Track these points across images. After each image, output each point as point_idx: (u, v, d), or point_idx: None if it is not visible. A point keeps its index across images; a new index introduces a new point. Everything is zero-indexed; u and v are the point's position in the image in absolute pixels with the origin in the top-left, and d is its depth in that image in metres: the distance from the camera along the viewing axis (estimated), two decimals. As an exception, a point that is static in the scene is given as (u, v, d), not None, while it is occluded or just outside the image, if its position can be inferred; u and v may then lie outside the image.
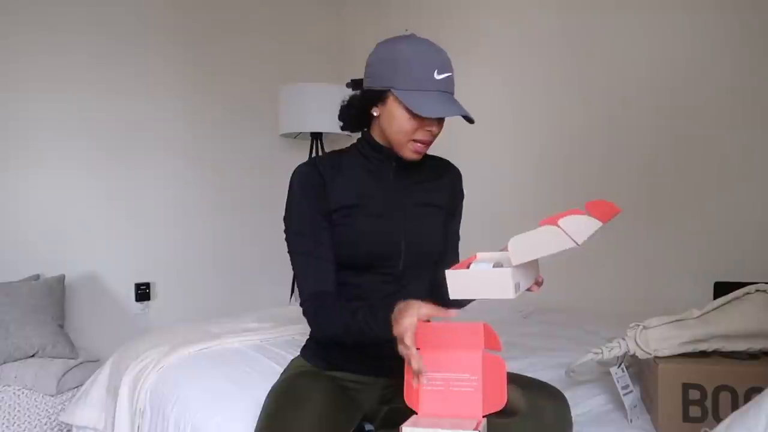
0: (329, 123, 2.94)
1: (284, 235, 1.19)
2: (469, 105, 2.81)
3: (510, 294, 0.93)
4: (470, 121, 1.12)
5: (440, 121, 1.15)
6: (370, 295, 1.17)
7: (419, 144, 1.14)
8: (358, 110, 1.20)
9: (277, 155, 3.30)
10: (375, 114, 1.16)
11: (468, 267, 0.97)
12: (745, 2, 1.90)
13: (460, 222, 1.34)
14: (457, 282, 0.97)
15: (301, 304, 1.17)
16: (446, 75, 1.10)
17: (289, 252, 1.18)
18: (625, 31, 2.22)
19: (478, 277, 0.96)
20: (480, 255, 1.04)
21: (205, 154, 3.11)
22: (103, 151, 2.78)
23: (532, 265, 1.02)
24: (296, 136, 3.28)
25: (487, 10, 2.72)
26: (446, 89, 1.10)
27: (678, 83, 2.07)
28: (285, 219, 1.18)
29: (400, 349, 0.94)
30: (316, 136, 3.13)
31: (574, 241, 0.88)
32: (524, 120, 2.59)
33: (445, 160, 1.35)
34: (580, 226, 0.88)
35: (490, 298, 0.96)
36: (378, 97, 1.14)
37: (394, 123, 1.13)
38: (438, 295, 1.17)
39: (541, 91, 2.52)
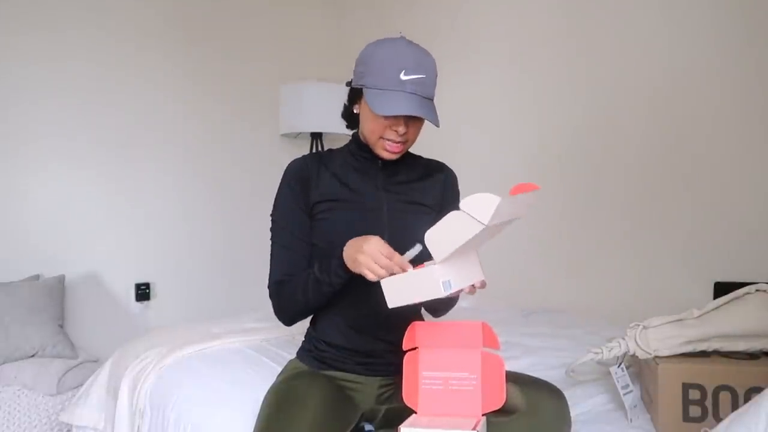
0: (329, 123, 2.94)
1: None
2: (467, 103, 2.82)
3: (439, 292, 0.91)
4: (435, 124, 1.12)
5: (409, 123, 1.14)
6: (353, 290, 1.16)
7: (389, 143, 1.15)
8: (346, 108, 1.26)
9: (277, 155, 3.29)
10: (356, 112, 1.21)
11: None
12: (744, 3, 1.90)
13: None
14: (391, 288, 0.96)
15: (268, 287, 1.23)
16: (415, 76, 1.09)
17: (270, 239, 1.24)
18: (623, 29, 2.22)
19: (405, 280, 0.95)
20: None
21: (206, 153, 3.11)
22: (104, 151, 2.78)
23: (469, 264, 0.99)
24: (296, 136, 3.28)
25: (487, 10, 2.72)
26: (414, 91, 1.09)
27: (678, 81, 2.07)
28: (272, 210, 1.25)
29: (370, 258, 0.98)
30: (316, 136, 3.13)
31: (481, 222, 0.84)
32: (522, 119, 2.59)
33: (440, 161, 1.35)
34: (483, 205, 0.84)
35: (424, 300, 0.93)
36: (358, 95, 1.18)
37: (366, 121, 1.17)
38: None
39: (540, 89, 2.51)
